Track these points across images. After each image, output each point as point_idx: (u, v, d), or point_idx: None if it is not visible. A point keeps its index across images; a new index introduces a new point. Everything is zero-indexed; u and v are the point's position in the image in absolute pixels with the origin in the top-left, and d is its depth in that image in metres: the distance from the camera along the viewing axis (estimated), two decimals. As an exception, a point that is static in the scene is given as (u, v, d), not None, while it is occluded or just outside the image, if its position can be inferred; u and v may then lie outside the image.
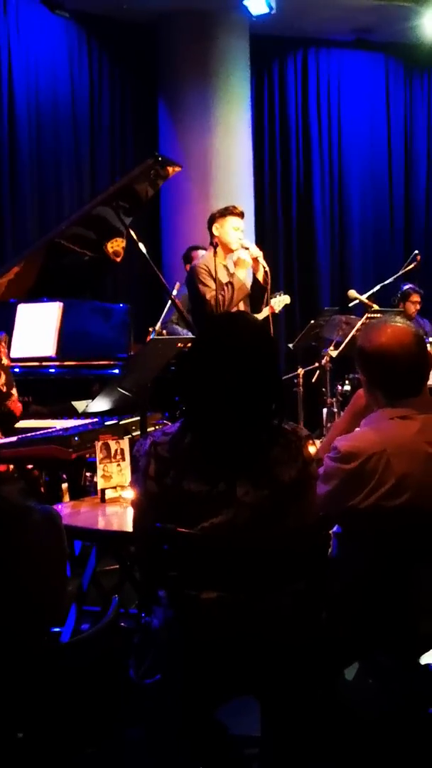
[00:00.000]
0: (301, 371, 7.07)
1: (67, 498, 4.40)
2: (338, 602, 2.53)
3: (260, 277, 5.73)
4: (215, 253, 5.70)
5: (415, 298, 8.34)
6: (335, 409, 6.86)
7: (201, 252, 6.83)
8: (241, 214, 5.85)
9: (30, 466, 4.32)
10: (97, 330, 5.35)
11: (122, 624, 2.19)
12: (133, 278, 8.19)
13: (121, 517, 3.33)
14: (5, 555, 1.91)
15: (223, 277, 5.70)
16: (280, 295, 6.58)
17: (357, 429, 2.76)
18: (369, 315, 6.69)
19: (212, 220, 5.82)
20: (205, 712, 2.44)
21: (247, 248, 5.77)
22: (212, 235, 5.77)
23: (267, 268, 5.77)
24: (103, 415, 4.60)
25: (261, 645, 2.36)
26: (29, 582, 1.90)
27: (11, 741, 1.83)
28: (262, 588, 2.40)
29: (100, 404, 4.67)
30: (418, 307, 8.38)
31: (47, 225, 7.61)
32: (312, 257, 9.70)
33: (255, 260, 5.75)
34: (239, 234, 5.81)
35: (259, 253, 5.77)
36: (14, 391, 4.32)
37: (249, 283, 5.85)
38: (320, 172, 9.75)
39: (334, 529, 2.61)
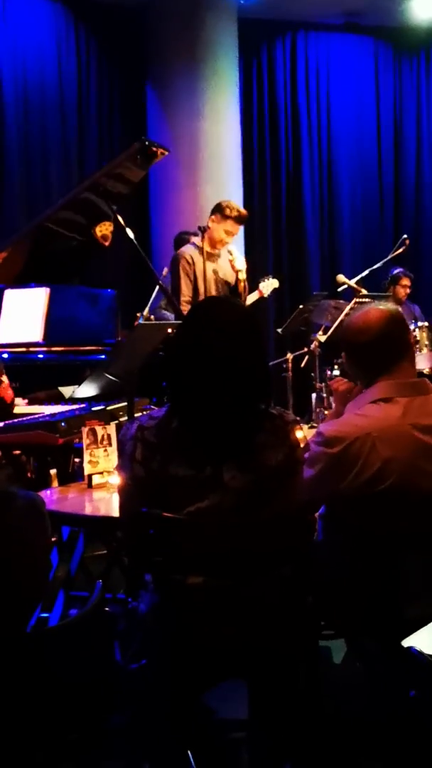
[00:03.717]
0: (290, 356, 7.06)
1: (55, 483, 4.40)
2: (324, 587, 2.53)
3: (240, 287, 5.81)
4: (203, 238, 5.77)
5: (405, 281, 8.32)
6: (324, 394, 6.85)
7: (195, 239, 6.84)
8: (241, 220, 5.89)
9: (17, 452, 4.31)
10: (85, 315, 5.35)
11: (108, 609, 2.18)
12: (121, 264, 8.16)
13: (108, 502, 3.32)
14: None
15: (208, 268, 5.76)
16: (268, 279, 6.60)
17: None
18: (358, 300, 6.68)
19: (213, 210, 5.91)
20: (191, 696, 2.45)
21: (231, 255, 5.84)
22: (207, 224, 5.85)
23: (246, 283, 5.86)
24: (90, 400, 4.59)
25: (247, 630, 2.36)
26: (11, 567, 1.90)
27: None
28: (249, 573, 2.40)
29: (88, 390, 4.66)
30: (407, 291, 8.36)
31: (34, 210, 7.57)
32: (301, 242, 9.68)
33: (236, 271, 5.83)
34: (229, 239, 5.88)
35: (241, 268, 5.83)
36: (4, 378, 4.31)
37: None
38: (309, 156, 9.72)
39: (320, 510, 2.62)
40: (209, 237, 5.93)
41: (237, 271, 5.85)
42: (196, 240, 6.09)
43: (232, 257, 5.89)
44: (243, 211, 5.99)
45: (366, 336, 2.62)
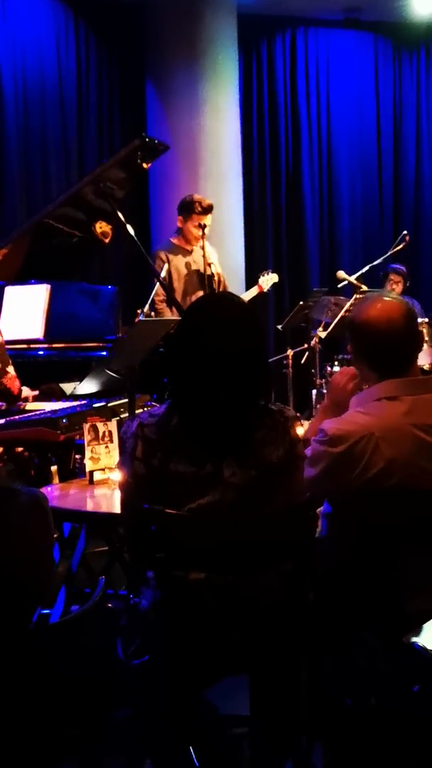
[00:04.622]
0: (290, 352, 7.07)
1: (56, 480, 4.40)
2: (326, 582, 2.53)
3: (214, 280, 5.95)
4: (178, 236, 5.98)
5: (394, 277, 8.22)
6: (324, 390, 6.85)
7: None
8: (206, 210, 5.99)
9: (19, 449, 4.31)
10: (86, 312, 5.36)
11: (110, 605, 2.18)
12: (121, 260, 8.16)
13: (109, 498, 3.33)
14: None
15: (180, 264, 5.99)
16: (268, 274, 6.63)
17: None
18: (358, 296, 6.68)
19: (179, 210, 6.02)
20: (192, 692, 2.45)
21: (203, 251, 5.91)
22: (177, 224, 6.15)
23: (220, 277, 5.98)
24: (91, 397, 4.60)
25: (249, 625, 2.37)
26: (14, 564, 1.90)
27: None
28: (250, 569, 2.40)
29: (89, 386, 4.67)
30: (395, 287, 8.23)
31: (34, 207, 7.57)
32: (301, 238, 9.67)
33: (207, 263, 5.92)
34: (200, 232, 6.03)
35: (213, 261, 5.96)
36: (10, 368, 4.32)
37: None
38: (309, 152, 9.71)
39: (323, 509, 2.61)
40: (184, 236, 6.15)
41: (209, 264, 5.95)
42: (172, 238, 6.21)
43: (204, 251, 5.98)
44: (206, 202, 6.14)
45: (390, 336, 2.54)
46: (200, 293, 6.05)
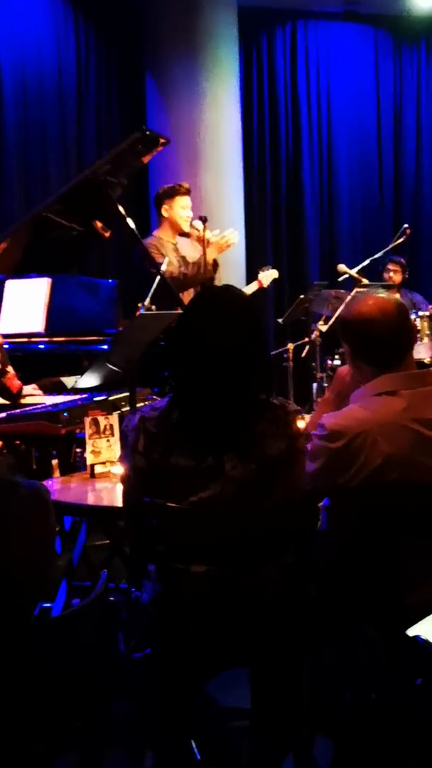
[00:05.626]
0: (290, 346, 7.06)
1: (57, 474, 4.41)
2: (327, 575, 2.54)
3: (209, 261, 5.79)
4: (162, 228, 5.90)
5: (393, 267, 8.19)
6: (325, 384, 6.85)
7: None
8: (188, 192, 5.94)
9: (19, 442, 4.31)
10: (86, 305, 5.36)
11: (111, 598, 2.19)
12: (120, 254, 8.15)
13: (110, 492, 3.33)
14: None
15: (173, 257, 5.82)
16: (268, 269, 6.60)
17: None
18: (358, 289, 6.66)
19: (159, 200, 5.94)
20: (193, 685, 2.46)
21: (198, 232, 5.81)
22: (161, 215, 5.95)
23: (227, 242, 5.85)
24: (92, 390, 4.60)
25: (249, 619, 2.37)
26: (16, 557, 1.90)
27: None
28: (251, 562, 2.41)
29: (89, 380, 4.67)
30: (392, 276, 8.17)
31: (33, 200, 7.56)
32: (301, 231, 9.66)
33: (201, 240, 5.80)
34: (188, 212, 5.91)
35: (209, 236, 5.82)
36: (9, 368, 4.33)
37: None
38: (309, 145, 9.70)
39: (323, 502, 2.62)
40: (170, 226, 6.01)
41: (207, 239, 5.82)
42: (155, 232, 6.17)
43: (199, 232, 5.88)
44: (185, 184, 6.06)
45: (386, 327, 2.56)
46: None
